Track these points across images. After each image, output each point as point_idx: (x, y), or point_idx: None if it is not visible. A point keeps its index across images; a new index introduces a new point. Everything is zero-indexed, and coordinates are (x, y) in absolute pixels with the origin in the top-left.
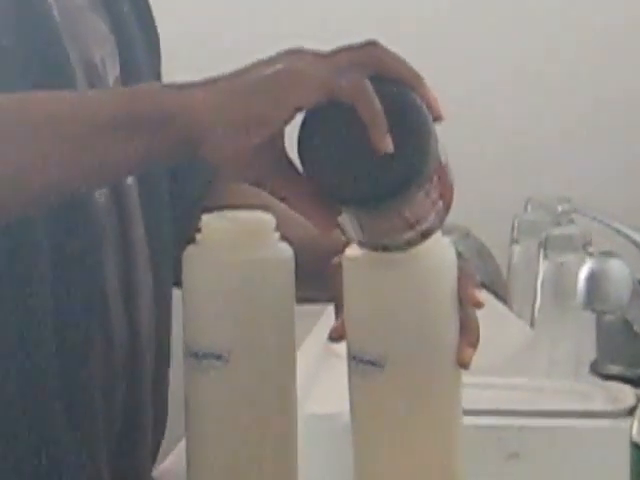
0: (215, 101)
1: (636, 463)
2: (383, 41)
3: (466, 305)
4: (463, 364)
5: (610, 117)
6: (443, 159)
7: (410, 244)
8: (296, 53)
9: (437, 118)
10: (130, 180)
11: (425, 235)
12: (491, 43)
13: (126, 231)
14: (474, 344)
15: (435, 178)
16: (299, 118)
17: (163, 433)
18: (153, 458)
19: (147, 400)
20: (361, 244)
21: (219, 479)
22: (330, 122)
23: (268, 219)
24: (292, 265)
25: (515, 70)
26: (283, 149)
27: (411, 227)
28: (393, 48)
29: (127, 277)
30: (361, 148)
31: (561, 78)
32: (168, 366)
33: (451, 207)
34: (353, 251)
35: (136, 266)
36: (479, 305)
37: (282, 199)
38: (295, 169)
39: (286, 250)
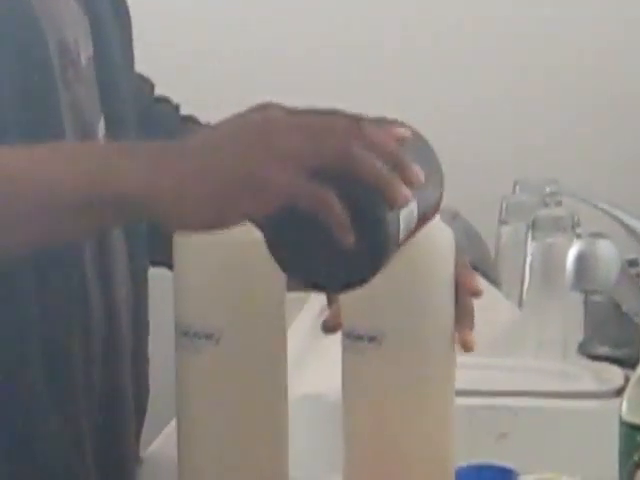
0: (179, 193)
1: (625, 441)
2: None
3: (464, 293)
4: (467, 346)
5: (597, 99)
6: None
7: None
8: (269, 120)
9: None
10: None
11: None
12: (476, 26)
13: None
14: (472, 328)
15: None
16: None
17: (145, 410)
18: (137, 435)
19: (126, 375)
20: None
21: (209, 458)
22: (294, 222)
23: None
24: None
25: (501, 54)
26: None
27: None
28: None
29: (102, 251)
30: (323, 242)
31: (548, 61)
32: (147, 342)
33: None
34: None
35: (111, 243)
36: (478, 293)
37: None
38: None
39: None
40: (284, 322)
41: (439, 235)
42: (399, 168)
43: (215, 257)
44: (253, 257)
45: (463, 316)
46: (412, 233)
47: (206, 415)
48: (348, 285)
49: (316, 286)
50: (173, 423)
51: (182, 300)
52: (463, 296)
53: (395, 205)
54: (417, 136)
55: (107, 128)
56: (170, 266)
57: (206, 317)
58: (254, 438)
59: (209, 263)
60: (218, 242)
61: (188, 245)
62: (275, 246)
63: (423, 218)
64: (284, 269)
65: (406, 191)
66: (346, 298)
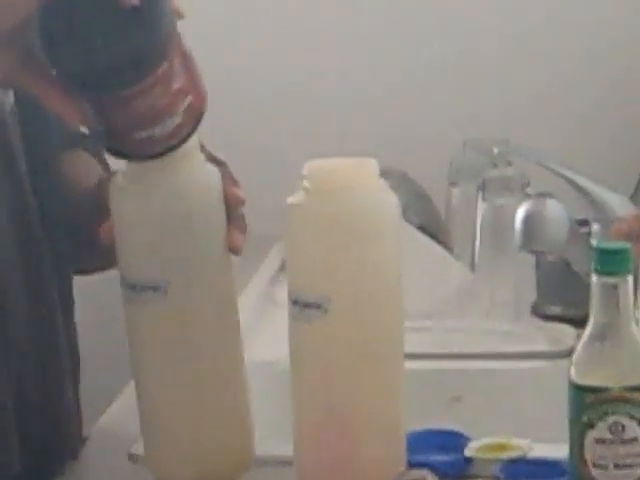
0: None
1: (575, 403)
2: None
3: (232, 204)
4: (236, 249)
5: (548, 59)
6: (187, 50)
7: (162, 143)
8: None
9: None
10: None
11: (177, 136)
12: None
13: None
14: (243, 232)
15: (177, 64)
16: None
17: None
18: (78, 412)
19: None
20: (112, 151)
21: (165, 410)
22: (64, 7)
23: (192, 140)
24: (219, 187)
25: (451, 13)
26: (29, 45)
27: (159, 118)
28: None
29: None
30: (97, 30)
31: (498, 20)
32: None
33: (203, 114)
34: (295, 198)
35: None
36: (243, 202)
37: (35, 96)
38: (43, 65)
39: (212, 172)
40: (230, 272)
41: (384, 199)
42: None
43: (155, 208)
44: (195, 207)
45: (234, 221)
46: (184, 78)
47: (158, 367)
48: (113, 77)
49: (92, 84)
50: (118, 399)
51: (125, 252)
52: (231, 206)
53: None
54: None
55: None
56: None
57: (150, 269)
58: (206, 390)
59: (149, 214)
60: (157, 192)
61: (126, 196)
62: (47, 42)
63: (190, 70)
64: (53, 57)
65: None
66: (292, 265)
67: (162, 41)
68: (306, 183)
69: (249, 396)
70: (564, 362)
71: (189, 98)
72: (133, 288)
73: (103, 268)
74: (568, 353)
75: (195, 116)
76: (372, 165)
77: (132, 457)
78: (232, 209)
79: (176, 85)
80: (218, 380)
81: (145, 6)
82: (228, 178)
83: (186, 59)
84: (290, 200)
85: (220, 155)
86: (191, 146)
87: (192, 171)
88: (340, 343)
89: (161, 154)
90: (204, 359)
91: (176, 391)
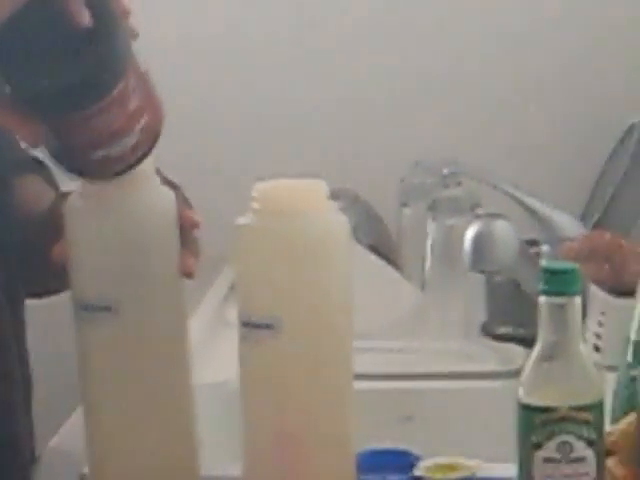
0: None
1: (523, 423)
2: None
3: (186, 227)
4: (188, 271)
5: (498, 81)
6: (143, 70)
7: (119, 163)
8: None
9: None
10: None
11: (133, 155)
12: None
13: None
14: (196, 256)
15: (133, 84)
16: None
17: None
18: (30, 431)
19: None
20: (69, 170)
21: (113, 431)
22: (19, 29)
23: (147, 162)
24: (174, 210)
25: (404, 31)
26: None
27: (115, 138)
28: None
29: None
30: (52, 51)
31: (450, 41)
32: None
33: (159, 134)
34: (244, 219)
35: None
36: (197, 225)
37: None
38: None
39: (167, 195)
40: (182, 293)
41: (333, 221)
42: None
43: (109, 228)
44: (148, 229)
45: (187, 244)
46: (141, 99)
47: (108, 387)
48: (83, 93)
49: (42, 98)
50: (70, 420)
51: (78, 273)
52: (185, 230)
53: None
54: None
55: None
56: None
57: (102, 289)
58: (156, 411)
59: (103, 234)
60: (112, 213)
61: (81, 217)
62: (3, 60)
63: (147, 94)
64: (9, 77)
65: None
66: (242, 286)
67: (118, 61)
68: (255, 204)
69: (195, 416)
70: (514, 382)
71: (145, 118)
72: (85, 308)
73: (55, 291)
74: (518, 373)
75: (151, 136)
76: (321, 186)
77: (83, 477)
78: (186, 232)
79: (132, 105)
80: (164, 400)
81: (99, 27)
82: (182, 201)
83: (142, 79)
84: (239, 221)
85: (171, 175)
86: (147, 168)
87: (147, 193)
88: (290, 363)
89: (117, 174)
90: (152, 380)
91: (122, 411)
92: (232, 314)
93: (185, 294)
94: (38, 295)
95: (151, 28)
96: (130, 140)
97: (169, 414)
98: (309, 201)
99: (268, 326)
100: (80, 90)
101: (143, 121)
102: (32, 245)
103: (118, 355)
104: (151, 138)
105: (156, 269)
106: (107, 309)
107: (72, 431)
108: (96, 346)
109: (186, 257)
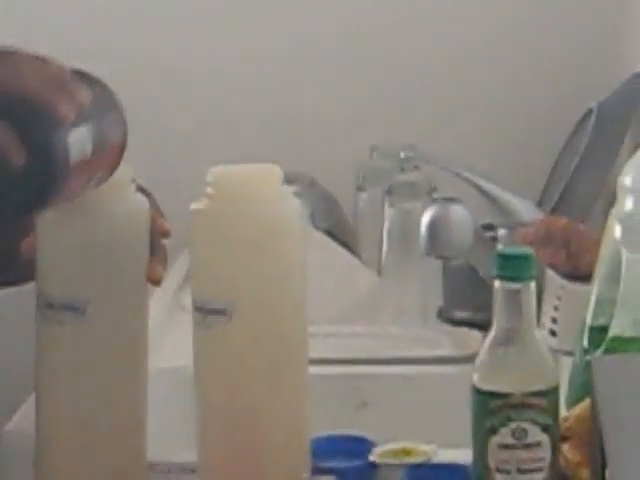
0: None
1: (478, 408)
2: None
3: (156, 234)
4: (154, 279)
5: (452, 62)
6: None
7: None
8: None
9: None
10: None
11: (93, 188)
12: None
13: None
14: (164, 265)
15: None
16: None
17: None
18: None
19: None
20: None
21: (69, 431)
22: None
23: (124, 170)
24: (146, 217)
25: (359, 21)
26: None
27: (74, 197)
28: None
29: None
30: None
31: (404, 24)
32: None
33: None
34: (198, 204)
35: None
36: (168, 234)
37: None
38: None
39: (141, 202)
40: (147, 293)
41: (287, 205)
42: (63, 90)
43: (81, 230)
44: (120, 233)
45: (156, 252)
46: (95, 162)
47: (69, 387)
48: (25, 208)
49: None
50: (30, 400)
51: (46, 272)
52: (155, 237)
53: (59, 122)
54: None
55: None
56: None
57: (71, 289)
58: (113, 413)
59: (75, 236)
60: (84, 216)
61: (54, 218)
62: None
63: (102, 149)
64: None
65: (68, 111)
66: (196, 272)
67: (62, 173)
68: (209, 189)
69: (146, 407)
70: (470, 367)
71: (101, 172)
72: (50, 306)
73: (14, 283)
74: (474, 358)
75: (108, 176)
76: (275, 171)
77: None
78: (156, 240)
79: (85, 176)
80: (118, 398)
81: (35, 159)
82: (155, 209)
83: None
84: (193, 206)
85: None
86: (123, 177)
87: (121, 198)
88: (244, 349)
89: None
90: (108, 379)
91: (75, 406)
92: (188, 299)
93: (149, 297)
94: None
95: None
96: (89, 188)
97: (121, 409)
98: (263, 186)
99: (221, 311)
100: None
101: (99, 175)
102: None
103: (79, 354)
104: (109, 174)
105: (125, 272)
106: (73, 309)
107: (28, 415)
108: (58, 344)
109: (155, 264)
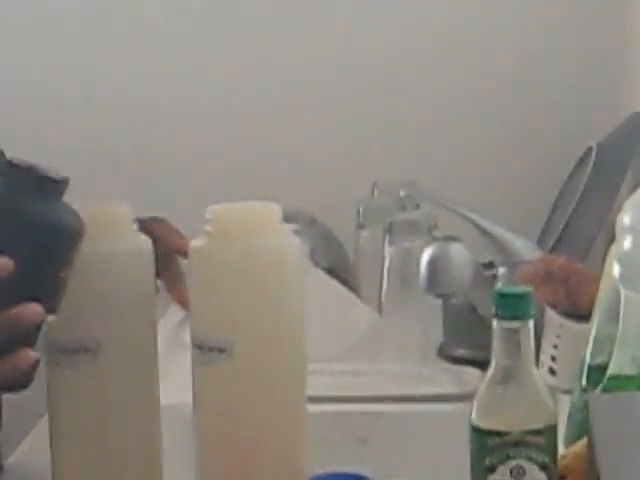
0: None
1: (476, 446)
2: None
3: (176, 253)
4: (184, 304)
5: (452, 101)
6: None
7: None
8: None
9: None
10: None
11: None
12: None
13: None
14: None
15: None
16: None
17: None
18: None
19: None
20: None
21: (86, 472)
22: None
23: (125, 210)
24: (151, 257)
25: (353, 54)
26: None
27: None
28: None
29: None
30: None
31: (403, 61)
32: None
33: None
34: (197, 242)
35: None
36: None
37: None
38: None
39: (144, 242)
40: (156, 333)
41: (286, 243)
42: None
43: (84, 269)
44: (126, 273)
45: (177, 276)
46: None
47: (83, 428)
48: None
49: None
50: (35, 431)
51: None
52: (175, 256)
53: None
54: None
55: None
56: None
57: (80, 331)
58: (130, 453)
59: (79, 275)
60: (82, 259)
61: None
62: None
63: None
64: None
65: None
66: (195, 309)
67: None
68: (209, 227)
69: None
70: (470, 404)
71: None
72: (61, 351)
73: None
74: (474, 395)
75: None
76: (274, 209)
77: None
78: (173, 262)
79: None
80: (134, 431)
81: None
82: (172, 230)
83: None
84: (193, 243)
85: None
86: (124, 218)
87: (124, 241)
88: (243, 386)
89: None
90: (123, 418)
91: (90, 444)
92: (188, 336)
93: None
94: None
95: None
96: None
97: (138, 448)
98: (262, 224)
99: (221, 349)
100: None
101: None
102: None
103: (94, 395)
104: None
105: (134, 313)
106: (86, 350)
107: (38, 441)
108: (73, 388)
109: (180, 288)
